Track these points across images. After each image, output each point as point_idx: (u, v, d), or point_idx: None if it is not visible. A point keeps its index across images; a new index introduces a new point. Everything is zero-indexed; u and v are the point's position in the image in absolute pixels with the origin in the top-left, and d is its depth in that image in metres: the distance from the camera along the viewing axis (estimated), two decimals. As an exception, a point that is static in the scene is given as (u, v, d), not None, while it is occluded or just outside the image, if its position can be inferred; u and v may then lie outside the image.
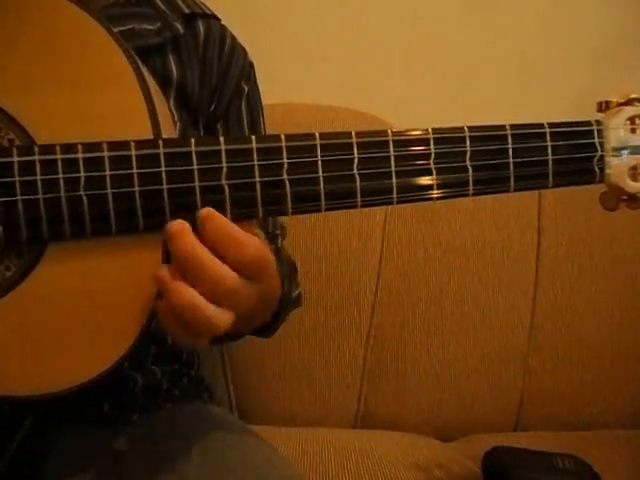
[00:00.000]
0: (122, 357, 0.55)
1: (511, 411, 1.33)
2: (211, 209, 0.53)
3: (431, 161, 0.57)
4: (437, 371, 1.29)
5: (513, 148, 0.58)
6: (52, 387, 0.54)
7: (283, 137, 0.55)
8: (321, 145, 0.55)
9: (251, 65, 0.86)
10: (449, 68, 1.39)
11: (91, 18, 0.56)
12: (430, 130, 0.57)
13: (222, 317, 0.52)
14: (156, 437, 0.72)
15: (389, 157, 0.56)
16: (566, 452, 1.06)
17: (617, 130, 0.61)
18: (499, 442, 1.14)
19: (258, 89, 0.88)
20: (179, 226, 0.52)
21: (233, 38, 0.84)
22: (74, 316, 0.55)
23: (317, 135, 0.55)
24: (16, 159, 0.53)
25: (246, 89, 0.84)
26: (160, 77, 0.67)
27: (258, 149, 0.54)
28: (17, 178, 0.53)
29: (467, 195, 0.58)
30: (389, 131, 0.55)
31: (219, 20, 0.84)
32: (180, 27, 0.78)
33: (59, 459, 0.71)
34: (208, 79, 0.80)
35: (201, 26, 0.81)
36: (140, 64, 0.57)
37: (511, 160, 0.58)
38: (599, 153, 0.61)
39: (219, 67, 0.81)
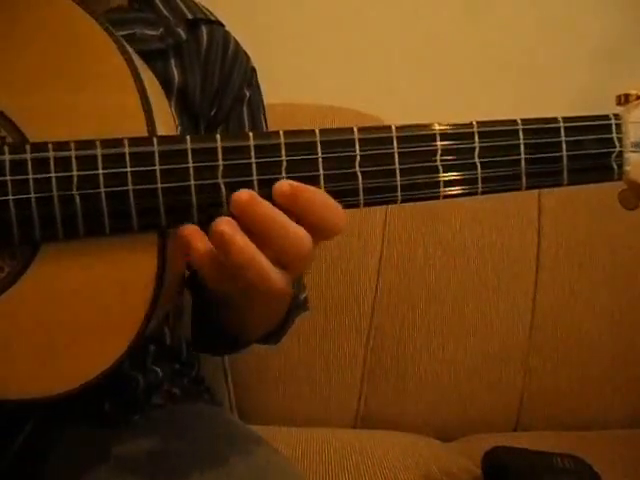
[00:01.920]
0: (119, 358, 0.54)
1: (511, 411, 1.33)
2: (253, 193, 0.51)
3: (437, 158, 0.54)
4: (437, 371, 1.29)
5: (525, 144, 0.56)
6: (49, 390, 0.53)
7: (282, 134, 0.53)
8: (321, 142, 0.53)
9: (253, 70, 0.86)
10: (449, 68, 1.39)
11: (88, 16, 0.55)
12: (437, 125, 0.54)
13: (280, 277, 0.51)
14: (157, 437, 0.72)
15: (393, 154, 0.54)
16: (566, 452, 1.06)
17: (637, 124, 0.57)
18: (499, 442, 1.13)
19: (261, 94, 0.87)
20: (248, 194, 0.51)
21: (236, 44, 0.84)
22: (69, 317, 0.54)
23: (317, 132, 0.53)
24: (7, 157, 0.52)
25: (248, 94, 0.84)
26: (161, 82, 0.67)
27: (255, 146, 0.53)
28: (8, 177, 0.52)
29: (476, 193, 0.55)
30: (393, 127, 0.53)
31: (223, 26, 0.84)
32: (183, 33, 0.77)
33: (60, 459, 0.71)
34: (210, 84, 0.80)
35: (204, 32, 0.80)
36: (136, 62, 0.56)
37: (523, 157, 0.56)
38: (617, 149, 0.57)
39: (221, 72, 0.81)
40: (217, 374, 1.23)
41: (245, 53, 0.85)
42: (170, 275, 0.55)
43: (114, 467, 0.67)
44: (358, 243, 1.26)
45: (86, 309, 0.54)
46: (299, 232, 0.51)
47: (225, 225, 0.50)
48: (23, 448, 0.69)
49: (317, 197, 0.52)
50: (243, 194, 0.51)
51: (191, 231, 0.51)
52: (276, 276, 0.51)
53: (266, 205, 0.51)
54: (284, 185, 0.51)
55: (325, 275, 1.24)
